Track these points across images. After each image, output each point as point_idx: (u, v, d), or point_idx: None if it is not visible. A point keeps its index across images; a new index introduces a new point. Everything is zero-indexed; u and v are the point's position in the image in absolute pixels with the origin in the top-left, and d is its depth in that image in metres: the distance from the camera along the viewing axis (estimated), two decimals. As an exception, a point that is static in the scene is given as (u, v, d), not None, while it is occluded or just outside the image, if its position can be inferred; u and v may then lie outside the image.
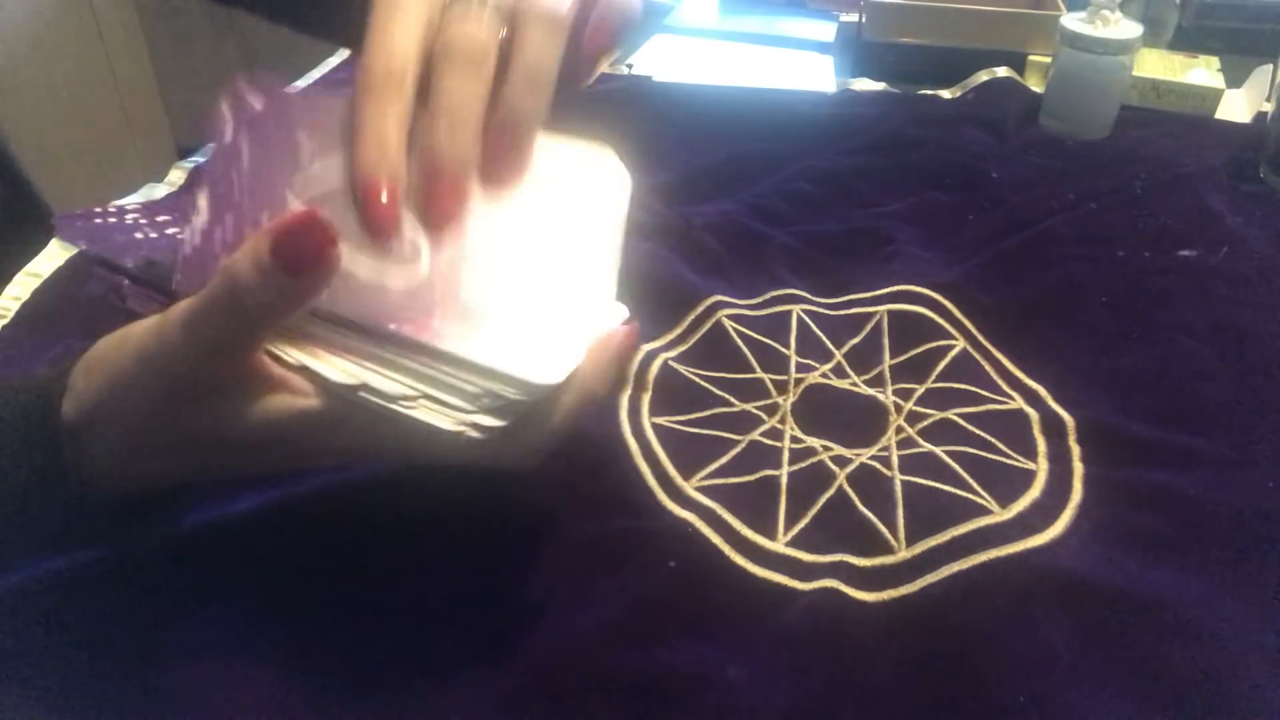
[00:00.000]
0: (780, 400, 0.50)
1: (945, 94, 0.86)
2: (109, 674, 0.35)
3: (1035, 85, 0.86)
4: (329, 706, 0.35)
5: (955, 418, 0.49)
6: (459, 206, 0.31)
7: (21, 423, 0.32)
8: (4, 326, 0.53)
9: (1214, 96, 0.83)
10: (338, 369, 0.29)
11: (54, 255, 0.58)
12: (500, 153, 0.32)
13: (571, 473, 0.44)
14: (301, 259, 0.27)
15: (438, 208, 0.31)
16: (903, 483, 0.45)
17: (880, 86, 0.87)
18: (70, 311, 0.54)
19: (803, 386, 0.51)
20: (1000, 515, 0.43)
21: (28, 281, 0.56)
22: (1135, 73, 0.80)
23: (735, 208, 0.67)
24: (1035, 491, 0.45)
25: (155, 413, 0.30)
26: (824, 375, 0.52)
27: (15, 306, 0.54)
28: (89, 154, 0.69)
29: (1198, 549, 0.42)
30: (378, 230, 0.30)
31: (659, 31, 1.00)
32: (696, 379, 0.52)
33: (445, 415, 0.28)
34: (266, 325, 0.29)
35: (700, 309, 0.56)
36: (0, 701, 0.34)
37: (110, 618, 0.37)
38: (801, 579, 0.40)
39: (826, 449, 0.47)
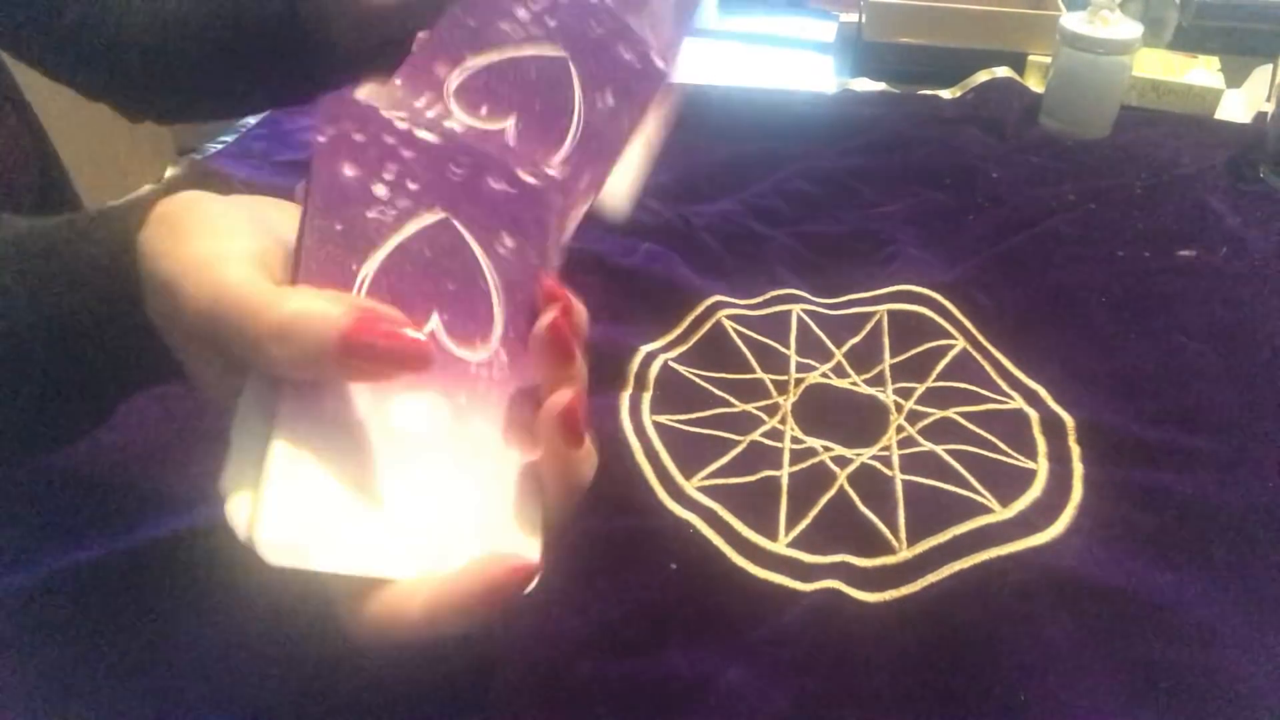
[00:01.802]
0: (780, 400, 0.50)
1: (945, 94, 0.86)
2: (109, 674, 0.35)
3: (1035, 85, 0.86)
4: (328, 705, 0.35)
5: (956, 417, 0.49)
6: None
7: (105, 248, 0.30)
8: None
9: (1214, 96, 0.83)
10: None
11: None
12: None
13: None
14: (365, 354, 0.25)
15: None
16: (903, 482, 0.45)
17: (880, 86, 0.87)
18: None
19: (803, 386, 0.51)
20: (1001, 514, 0.43)
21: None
22: (1135, 73, 0.80)
23: (735, 208, 0.67)
24: (1036, 491, 0.45)
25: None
26: (824, 375, 0.52)
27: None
28: (89, 154, 0.69)
29: (1198, 549, 0.42)
30: None
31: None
32: (697, 379, 0.51)
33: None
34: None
35: (700, 309, 0.56)
36: (2, 701, 0.34)
37: (110, 617, 0.37)
38: (803, 580, 0.40)
39: (827, 449, 0.47)
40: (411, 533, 0.26)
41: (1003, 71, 0.87)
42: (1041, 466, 0.46)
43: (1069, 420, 0.49)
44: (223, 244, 0.27)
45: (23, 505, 0.42)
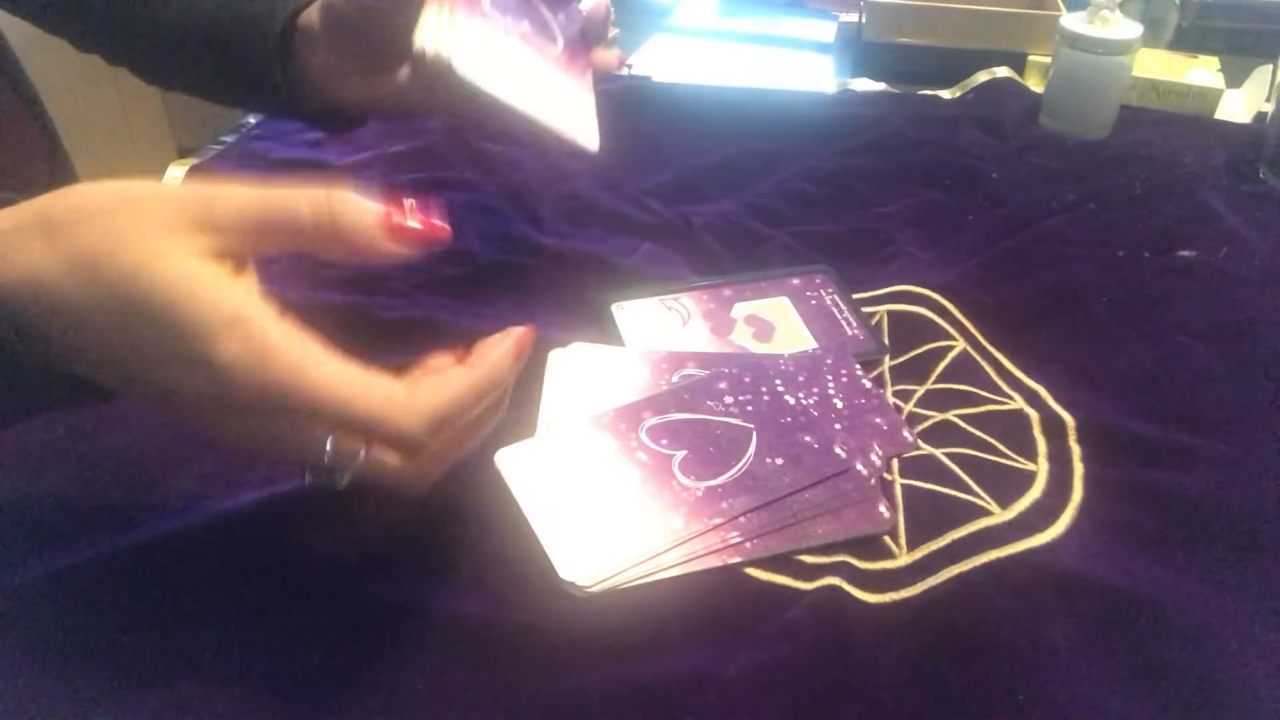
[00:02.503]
0: (780, 401, 0.50)
1: (945, 94, 0.86)
2: (108, 674, 0.35)
3: (1035, 85, 0.86)
4: (328, 706, 0.35)
5: (955, 419, 0.49)
6: None
7: None
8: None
9: (1214, 96, 0.83)
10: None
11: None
12: None
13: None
14: (405, 234, 0.33)
15: None
16: (903, 487, 0.45)
17: (880, 86, 0.87)
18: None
19: (803, 387, 0.51)
20: (1001, 516, 0.43)
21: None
22: (1135, 73, 0.80)
23: (735, 208, 0.67)
24: (1036, 492, 0.45)
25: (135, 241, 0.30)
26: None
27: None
28: (89, 154, 0.69)
29: (1198, 549, 0.42)
30: None
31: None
32: (697, 379, 0.51)
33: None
34: (315, 250, 0.33)
35: (700, 309, 0.56)
36: (3, 701, 0.34)
37: (111, 618, 0.37)
38: (804, 580, 0.40)
39: (827, 449, 0.47)
40: (548, 95, 0.50)
41: (1003, 71, 0.87)
42: (1042, 467, 0.46)
43: (1069, 420, 0.49)
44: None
45: (22, 506, 0.42)
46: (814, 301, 0.56)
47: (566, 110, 0.50)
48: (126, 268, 0.29)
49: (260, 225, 0.31)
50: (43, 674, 0.35)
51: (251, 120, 0.77)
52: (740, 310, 0.55)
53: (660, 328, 0.53)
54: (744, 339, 0.53)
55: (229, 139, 0.74)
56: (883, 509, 0.42)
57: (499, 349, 0.35)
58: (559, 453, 0.45)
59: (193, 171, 0.68)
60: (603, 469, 0.43)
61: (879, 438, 0.46)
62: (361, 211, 0.32)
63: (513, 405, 0.48)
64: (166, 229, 0.29)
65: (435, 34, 0.43)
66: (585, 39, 0.54)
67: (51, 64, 0.64)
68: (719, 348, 0.52)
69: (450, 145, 0.73)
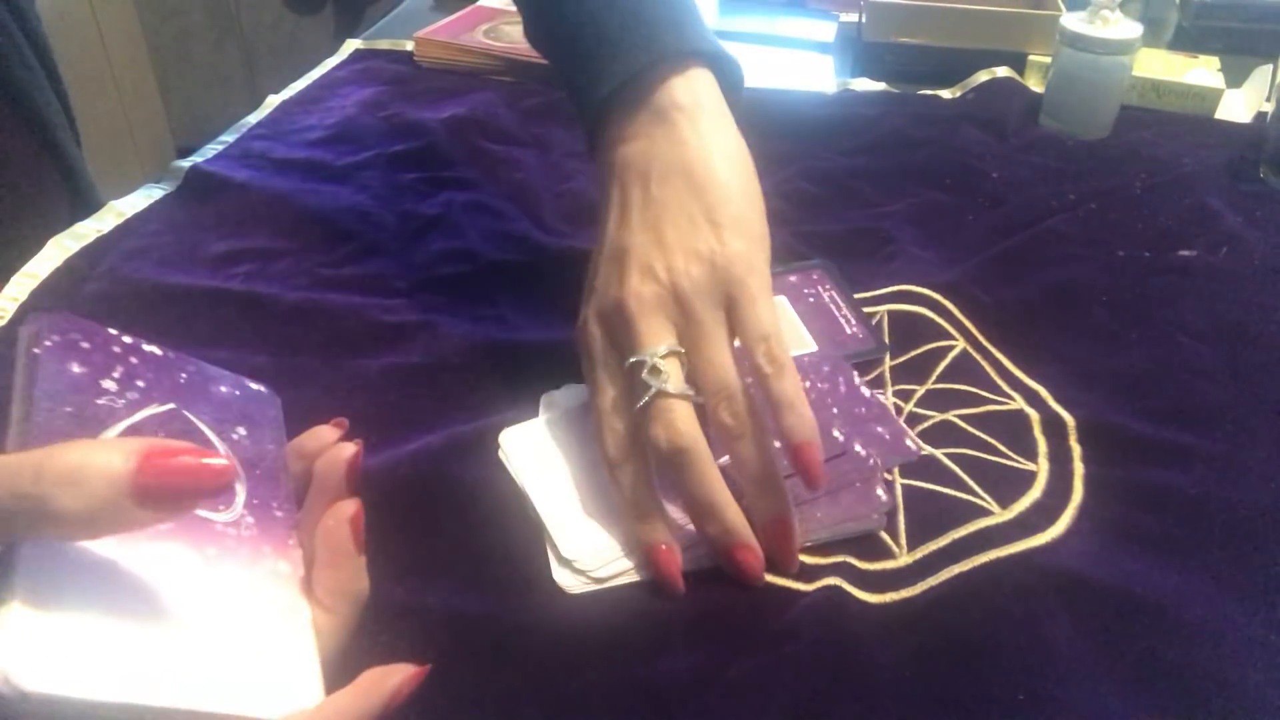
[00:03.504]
0: (780, 401, 0.50)
1: (945, 94, 0.86)
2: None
3: (1035, 85, 0.86)
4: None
5: (956, 419, 0.49)
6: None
7: None
8: (2, 327, 0.53)
9: (1214, 96, 0.83)
10: None
11: (51, 257, 0.58)
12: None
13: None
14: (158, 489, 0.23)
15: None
16: (903, 487, 0.45)
17: (880, 86, 0.87)
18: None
19: (803, 387, 0.51)
20: (1001, 516, 0.43)
21: (25, 283, 0.56)
22: (1135, 73, 0.80)
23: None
24: (1036, 492, 0.45)
25: None
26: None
27: (13, 308, 0.54)
28: (89, 154, 0.69)
29: (1198, 549, 0.42)
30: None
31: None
32: (697, 379, 0.51)
33: None
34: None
35: (700, 309, 0.56)
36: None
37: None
38: (805, 580, 0.40)
39: (827, 449, 0.47)
40: (179, 662, 0.26)
41: (1003, 71, 0.87)
42: (1042, 467, 0.46)
43: (1070, 420, 0.49)
44: None
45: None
46: (812, 299, 0.56)
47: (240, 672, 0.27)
48: None
49: None
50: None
51: (252, 120, 0.77)
52: None
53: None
54: None
55: (229, 139, 0.74)
56: (880, 492, 0.42)
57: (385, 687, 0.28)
58: (561, 434, 0.45)
59: (193, 171, 0.68)
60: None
61: (882, 446, 0.45)
62: (101, 476, 0.23)
63: (517, 388, 0.48)
64: None
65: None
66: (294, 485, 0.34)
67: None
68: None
69: (450, 145, 0.73)
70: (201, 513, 0.29)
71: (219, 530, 0.29)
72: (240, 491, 0.31)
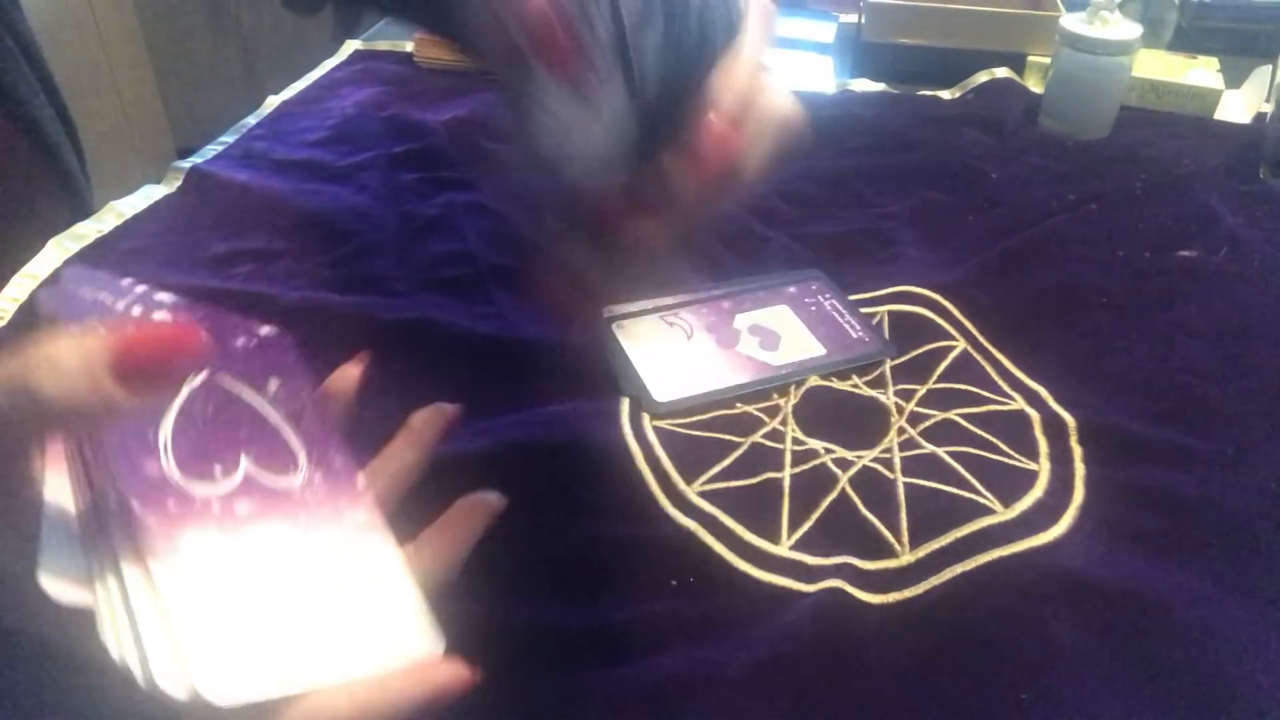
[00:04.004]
0: (781, 402, 0.50)
1: (945, 94, 0.86)
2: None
3: (1035, 85, 0.86)
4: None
5: (957, 418, 0.49)
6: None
7: None
8: (2, 328, 0.53)
9: (1214, 97, 0.83)
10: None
11: (50, 257, 0.58)
12: None
13: (573, 475, 0.44)
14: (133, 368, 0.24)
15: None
16: (905, 485, 0.45)
17: (880, 87, 0.87)
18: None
19: (804, 388, 0.51)
20: (1003, 515, 0.43)
21: (25, 283, 0.56)
22: (1135, 73, 0.80)
23: (735, 208, 0.67)
24: (1038, 491, 0.45)
25: None
26: (825, 377, 0.52)
27: (14, 308, 0.54)
28: (88, 154, 0.69)
29: (1199, 548, 0.42)
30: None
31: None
32: (697, 380, 0.51)
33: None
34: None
35: (701, 310, 0.56)
36: (3, 700, 0.34)
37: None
38: (806, 581, 0.40)
39: (828, 450, 0.47)
40: (319, 641, 0.27)
41: (1003, 71, 0.87)
42: (1043, 467, 0.46)
43: (1070, 421, 0.49)
44: None
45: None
46: (814, 308, 0.56)
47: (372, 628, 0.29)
48: None
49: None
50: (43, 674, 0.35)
51: (251, 120, 0.77)
52: (742, 321, 0.55)
53: (664, 343, 0.53)
54: (751, 349, 0.53)
55: (229, 139, 0.74)
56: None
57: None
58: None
59: (193, 172, 0.68)
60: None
61: None
62: (81, 357, 0.24)
63: (517, 388, 0.48)
64: None
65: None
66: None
67: (52, 66, 0.64)
68: (728, 361, 0.52)
69: (450, 145, 0.73)
70: (272, 483, 0.30)
71: (298, 497, 0.30)
72: (297, 448, 0.31)
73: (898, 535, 0.42)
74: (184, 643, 0.25)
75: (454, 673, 0.28)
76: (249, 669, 0.25)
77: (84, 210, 0.67)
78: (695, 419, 0.49)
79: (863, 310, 0.57)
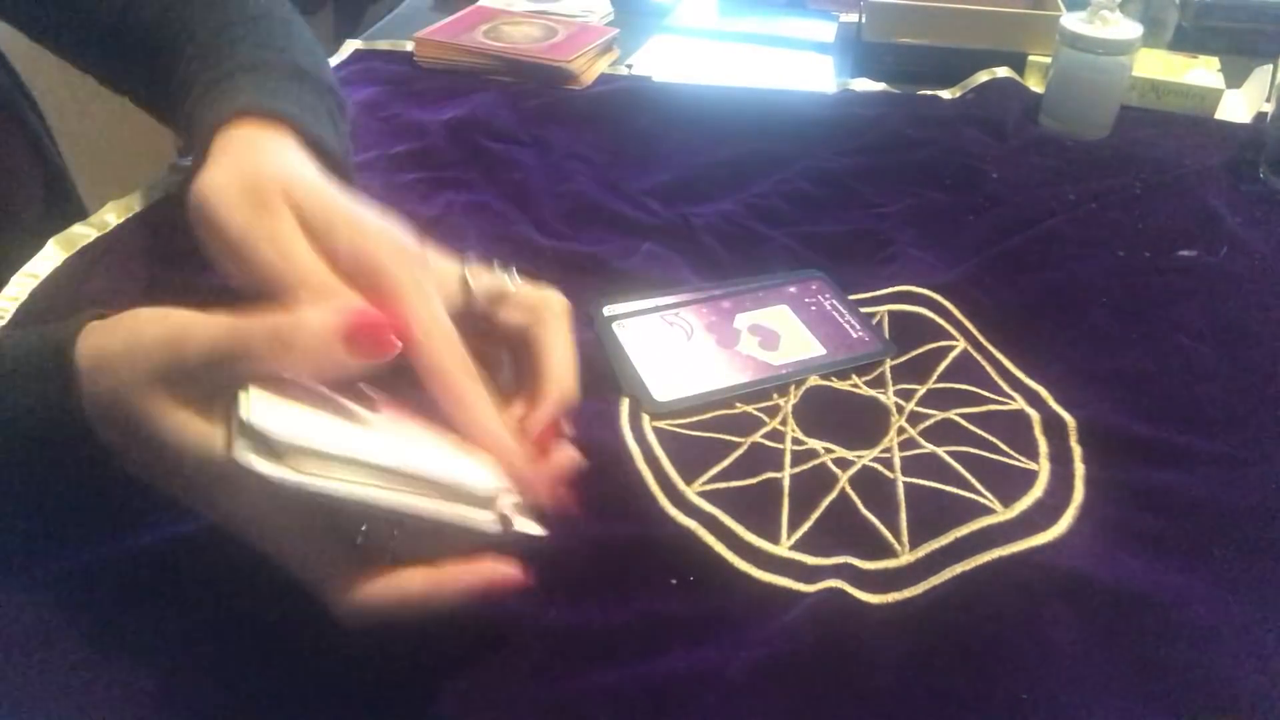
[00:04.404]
0: (781, 402, 0.50)
1: (945, 94, 0.86)
2: (110, 675, 0.35)
3: (1035, 85, 0.86)
4: (328, 707, 0.35)
5: (957, 418, 0.49)
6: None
7: (37, 356, 0.33)
8: (2, 327, 0.53)
9: (1214, 96, 0.83)
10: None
11: (51, 256, 0.58)
12: None
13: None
14: (363, 340, 0.31)
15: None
16: (905, 484, 0.45)
17: (880, 87, 0.87)
18: (69, 312, 0.54)
19: (803, 388, 0.51)
20: (1003, 515, 0.43)
21: (25, 282, 0.56)
22: (1135, 73, 0.80)
23: (735, 208, 0.67)
24: (1038, 491, 0.45)
25: (134, 384, 0.31)
26: (824, 376, 0.52)
27: (13, 308, 0.54)
28: (88, 154, 0.69)
29: (1199, 548, 0.42)
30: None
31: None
32: (697, 380, 0.51)
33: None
34: (278, 369, 0.31)
35: (701, 309, 0.56)
36: (2, 701, 0.34)
37: (111, 619, 0.37)
38: (805, 581, 0.40)
39: (828, 450, 0.47)
40: (394, 446, 0.31)
41: (1003, 71, 0.87)
42: (1043, 467, 0.46)
43: (1070, 421, 0.49)
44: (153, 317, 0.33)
45: (22, 510, 0.42)
46: (814, 308, 0.56)
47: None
48: (133, 418, 0.32)
49: (226, 363, 0.31)
50: (42, 674, 0.35)
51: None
52: (742, 321, 0.55)
53: (665, 343, 0.53)
54: (751, 349, 0.53)
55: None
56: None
57: (461, 583, 0.33)
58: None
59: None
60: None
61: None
62: (314, 334, 0.30)
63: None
64: (149, 388, 0.31)
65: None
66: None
67: (50, 64, 0.64)
68: (728, 360, 0.52)
69: (450, 145, 0.73)
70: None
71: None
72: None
73: (897, 535, 0.42)
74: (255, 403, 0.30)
75: (507, 571, 0.32)
76: (314, 431, 0.30)
77: (74, 206, 0.67)
78: (695, 419, 0.49)
79: (863, 310, 0.57)
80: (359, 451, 0.30)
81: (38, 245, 0.58)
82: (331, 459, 0.30)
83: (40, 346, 0.34)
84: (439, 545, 0.32)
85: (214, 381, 0.31)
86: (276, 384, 0.31)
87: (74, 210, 0.68)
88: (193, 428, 0.31)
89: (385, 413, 0.34)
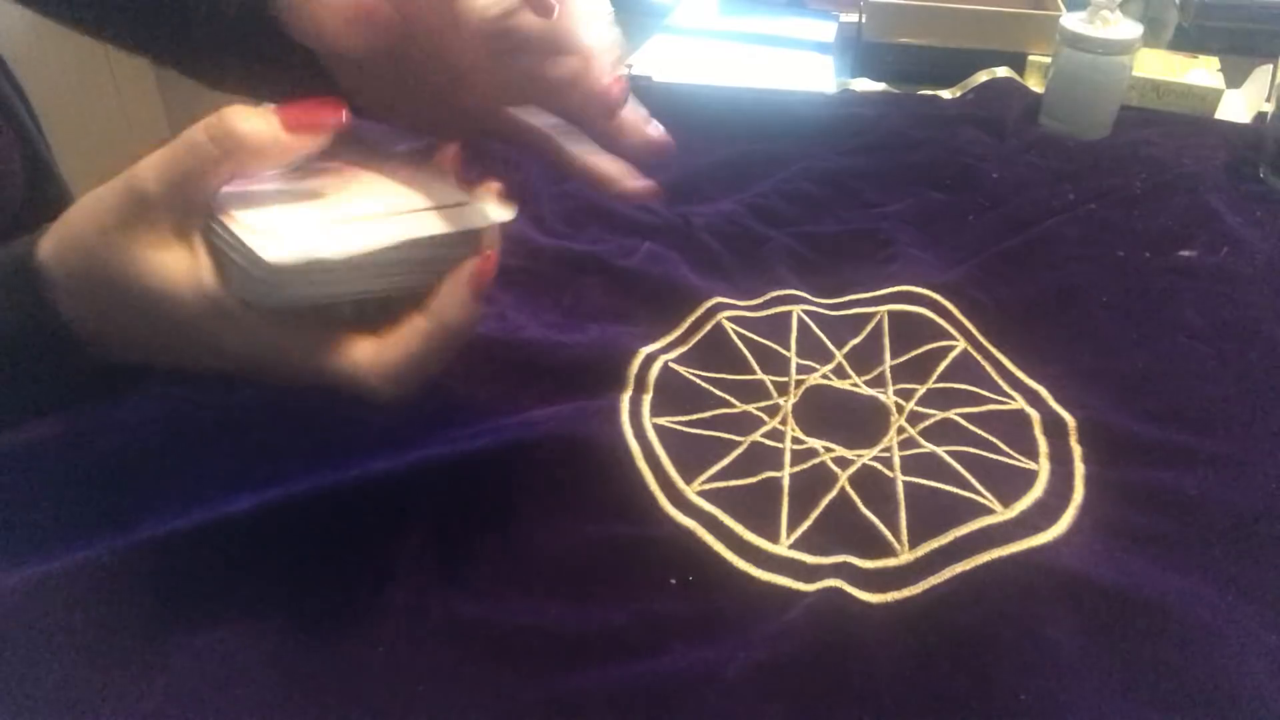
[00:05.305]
0: (781, 401, 0.50)
1: (945, 94, 0.86)
2: (109, 675, 0.35)
3: (1035, 85, 0.86)
4: (328, 708, 0.35)
5: (957, 418, 0.49)
6: None
7: (0, 272, 0.34)
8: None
9: (1214, 96, 0.83)
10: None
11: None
12: None
13: (573, 475, 0.44)
14: (300, 120, 0.32)
15: None
16: (904, 484, 0.45)
17: (880, 87, 0.87)
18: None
19: (804, 387, 0.51)
20: (1003, 515, 0.43)
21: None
22: (1135, 73, 0.80)
23: (735, 208, 0.67)
24: (1037, 491, 0.45)
25: (105, 242, 0.32)
26: (824, 376, 0.52)
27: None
28: (88, 154, 0.69)
29: (1199, 549, 0.42)
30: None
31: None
32: (697, 380, 0.51)
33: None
34: (233, 169, 0.32)
35: (700, 311, 0.56)
36: (1, 701, 0.34)
37: (110, 618, 0.37)
38: (805, 580, 0.40)
39: (828, 450, 0.47)
40: (384, 216, 0.33)
41: (1003, 71, 0.87)
42: (1043, 467, 0.46)
43: (1070, 420, 0.49)
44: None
45: (22, 506, 0.42)
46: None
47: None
48: (114, 279, 0.32)
49: (182, 178, 0.32)
50: (42, 675, 0.35)
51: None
52: None
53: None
54: None
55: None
56: None
57: (454, 297, 0.35)
58: None
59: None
60: None
61: None
62: (252, 114, 0.32)
63: (517, 388, 0.48)
64: (119, 236, 0.32)
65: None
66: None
67: (50, 63, 0.64)
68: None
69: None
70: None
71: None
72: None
73: (897, 534, 0.42)
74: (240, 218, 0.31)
75: (480, 263, 0.35)
76: (304, 235, 0.31)
77: (64, 201, 0.67)
78: (695, 417, 0.49)
79: (863, 310, 0.57)
80: (354, 212, 0.33)
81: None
82: (335, 224, 0.32)
83: (4, 261, 0.34)
84: (426, 276, 0.34)
85: (181, 205, 0.31)
86: (241, 199, 0.32)
87: (61, 205, 0.68)
88: (176, 265, 0.32)
89: (347, 173, 0.36)
